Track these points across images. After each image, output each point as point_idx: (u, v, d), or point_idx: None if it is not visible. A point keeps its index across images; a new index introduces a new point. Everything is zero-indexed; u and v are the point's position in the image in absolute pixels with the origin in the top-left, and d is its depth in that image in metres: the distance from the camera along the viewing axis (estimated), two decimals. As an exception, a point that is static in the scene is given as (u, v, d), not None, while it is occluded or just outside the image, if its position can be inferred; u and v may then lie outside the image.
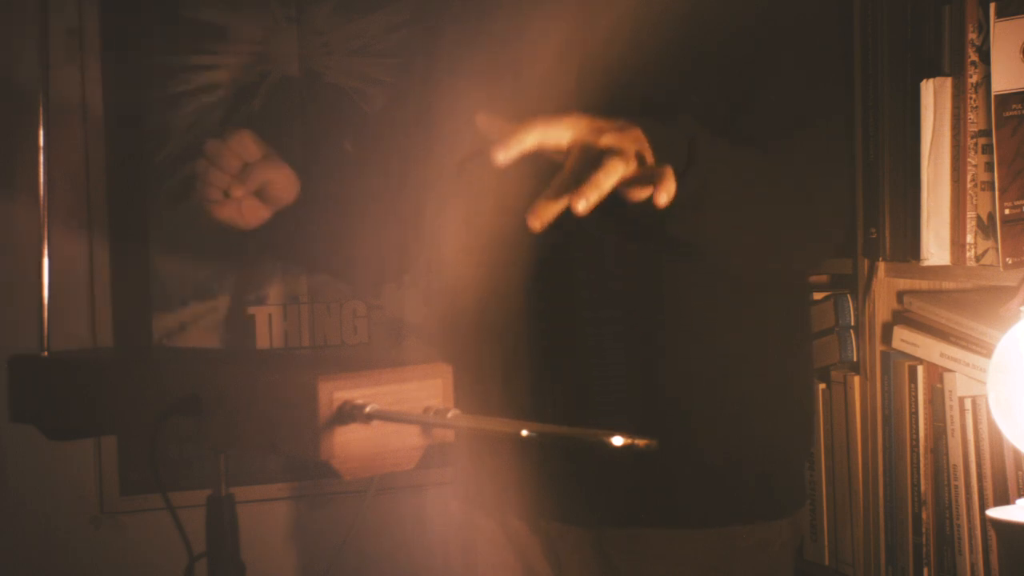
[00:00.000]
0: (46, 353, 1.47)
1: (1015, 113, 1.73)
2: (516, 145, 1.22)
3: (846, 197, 1.58)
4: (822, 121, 1.53)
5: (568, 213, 1.49)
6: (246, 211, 1.63)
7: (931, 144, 1.85)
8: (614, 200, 1.26)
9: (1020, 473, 1.77)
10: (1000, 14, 1.74)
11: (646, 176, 1.25)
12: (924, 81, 1.84)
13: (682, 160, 1.33)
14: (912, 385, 1.95)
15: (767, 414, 1.60)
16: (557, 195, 1.21)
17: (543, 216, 1.21)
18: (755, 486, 1.59)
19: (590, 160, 1.24)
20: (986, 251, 1.79)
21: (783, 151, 1.49)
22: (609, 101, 1.48)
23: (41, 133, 1.48)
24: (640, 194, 1.26)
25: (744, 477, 1.58)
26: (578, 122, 1.26)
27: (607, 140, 1.25)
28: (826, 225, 1.53)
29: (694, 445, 1.56)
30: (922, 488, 1.93)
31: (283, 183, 1.63)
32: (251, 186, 1.60)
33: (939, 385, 1.90)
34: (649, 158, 1.29)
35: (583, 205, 1.19)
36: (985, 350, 1.80)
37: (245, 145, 1.60)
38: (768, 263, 1.53)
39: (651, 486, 1.56)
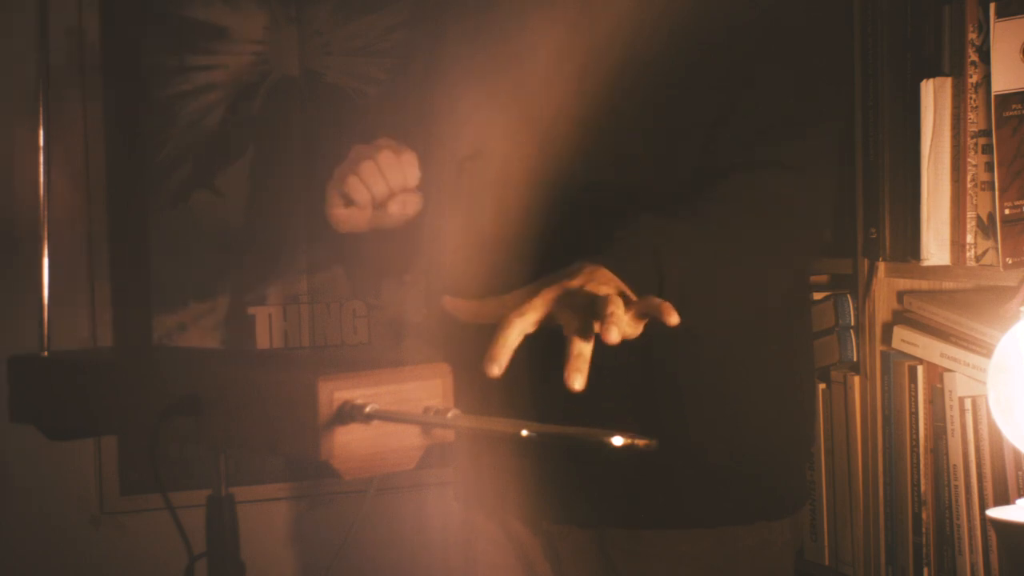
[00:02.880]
0: (46, 353, 1.47)
1: (1015, 113, 1.73)
2: (504, 351, 1.24)
3: (832, 197, 1.58)
4: (821, 120, 1.53)
5: (569, 215, 1.50)
6: (371, 222, 1.61)
7: (931, 144, 1.85)
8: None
9: (1020, 473, 1.77)
10: (1000, 14, 1.74)
11: (641, 313, 1.27)
12: (924, 81, 1.84)
13: (655, 280, 1.35)
14: (912, 385, 1.95)
15: (768, 414, 1.60)
16: (584, 352, 1.23)
17: (581, 374, 1.23)
18: (756, 486, 1.59)
19: (585, 308, 1.25)
20: (986, 251, 1.79)
21: (780, 151, 1.49)
22: (610, 99, 1.48)
23: (41, 133, 1.48)
24: (639, 329, 1.28)
25: (745, 477, 1.58)
26: (545, 295, 1.27)
27: (588, 289, 1.27)
28: (815, 227, 1.53)
29: (695, 445, 1.56)
30: (922, 488, 1.93)
31: (407, 219, 1.61)
32: (409, 211, 1.59)
33: (939, 385, 1.90)
34: (626, 291, 1.30)
35: (615, 335, 1.21)
36: (985, 350, 1.80)
37: (413, 171, 1.58)
38: (765, 288, 1.54)
39: (652, 486, 1.56)
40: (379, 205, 1.59)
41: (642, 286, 1.32)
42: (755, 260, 1.46)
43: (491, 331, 1.58)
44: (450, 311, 1.33)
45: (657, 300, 1.25)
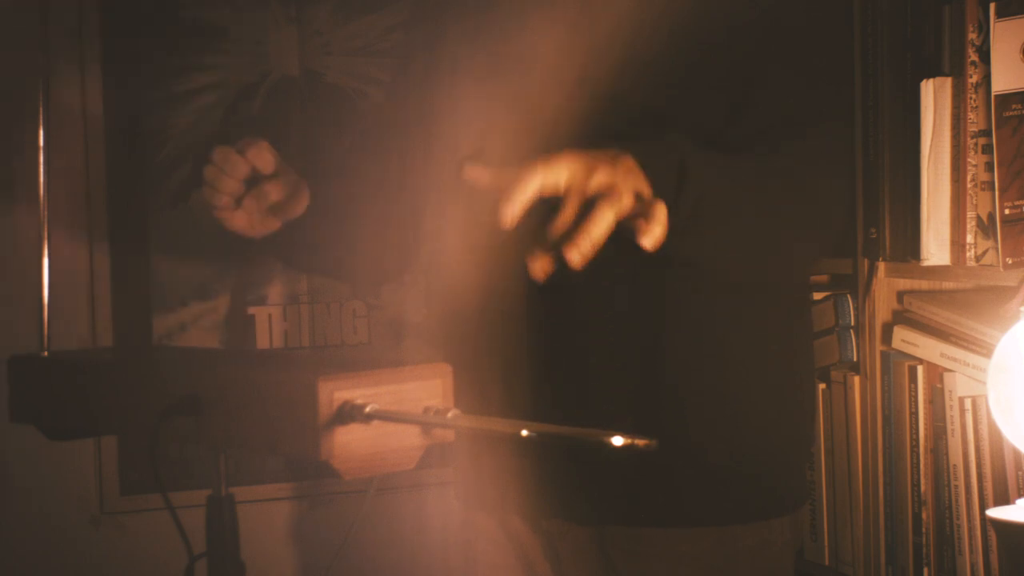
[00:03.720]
0: (46, 353, 1.47)
1: (1015, 113, 1.73)
2: (519, 199, 1.26)
3: (844, 196, 1.58)
4: (824, 121, 1.53)
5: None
6: (256, 223, 1.63)
7: (931, 144, 1.84)
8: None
9: (1020, 473, 1.77)
10: (1000, 14, 1.74)
11: (640, 212, 1.29)
12: (924, 81, 1.84)
13: (675, 182, 1.35)
14: (912, 385, 1.95)
15: (768, 413, 1.60)
16: (554, 244, 1.26)
17: (543, 267, 1.27)
18: (756, 485, 1.59)
19: (583, 206, 1.27)
20: (986, 251, 1.79)
21: (780, 151, 1.49)
22: (611, 99, 1.48)
23: (41, 133, 1.48)
24: (634, 228, 1.30)
25: (745, 476, 1.58)
26: (572, 161, 1.29)
27: (601, 178, 1.28)
28: (823, 226, 1.53)
29: (695, 444, 1.56)
30: (922, 488, 1.93)
31: (296, 196, 1.63)
32: (265, 202, 1.60)
33: (939, 385, 1.90)
34: (643, 188, 1.31)
35: (577, 257, 1.25)
36: (985, 350, 1.80)
37: (263, 158, 1.59)
38: (765, 267, 1.54)
39: (652, 486, 1.56)
40: (238, 201, 1.60)
41: (661, 184, 1.34)
42: (771, 224, 1.47)
43: (491, 333, 1.58)
44: (469, 177, 1.33)
45: (656, 211, 1.29)
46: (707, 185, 1.38)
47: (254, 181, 1.60)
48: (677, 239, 1.36)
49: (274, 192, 1.60)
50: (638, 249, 1.36)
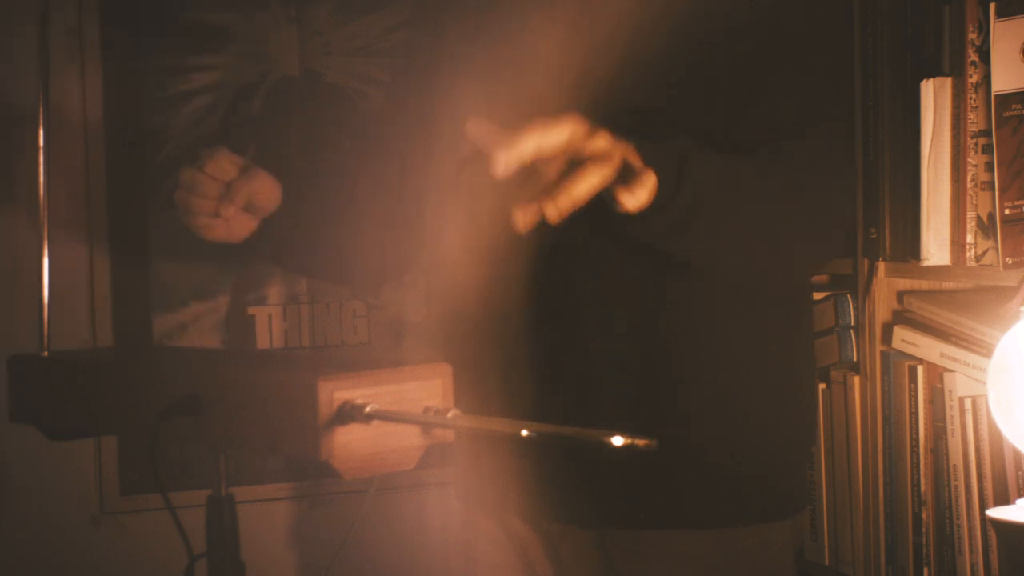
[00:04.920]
0: (46, 353, 1.47)
1: (1015, 113, 1.73)
2: (515, 152, 1.24)
3: (848, 198, 1.58)
4: (824, 121, 1.53)
5: (570, 215, 1.49)
6: (234, 226, 1.63)
7: (931, 144, 1.84)
8: (608, 215, 1.28)
9: (1020, 473, 1.77)
10: (1000, 14, 1.74)
11: (627, 177, 1.27)
12: (924, 81, 1.84)
13: (674, 177, 1.34)
14: (912, 385, 1.95)
15: (769, 415, 1.60)
16: (537, 199, 1.25)
17: (525, 220, 1.25)
18: (757, 487, 1.59)
19: (572, 164, 1.26)
20: (986, 251, 1.79)
21: (782, 152, 1.49)
22: (611, 99, 1.48)
23: (41, 133, 1.48)
24: (619, 195, 1.30)
25: (746, 478, 1.58)
26: (574, 125, 1.28)
27: (598, 143, 1.27)
28: (825, 227, 1.53)
29: (696, 446, 1.56)
30: (922, 488, 1.93)
31: (266, 192, 1.63)
32: (238, 204, 1.60)
33: (939, 385, 1.90)
34: (636, 159, 1.32)
35: (554, 212, 1.24)
36: (985, 350, 1.80)
37: (221, 167, 1.60)
38: (766, 270, 1.54)
39: (653, 487, 1.56)
40: (234, 207, 1.60)
41: (660, 177, 1.34)
42: (771, 226, 1.46)
43: (491, 333, 1.58)
44: (473, 136, 1.32)
45: (642, 171, 1.29)
46: (706, 184, 1.38)
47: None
48: (676, 237, 1.36)
49: (243, 192, 1.60)
50: (634, 248, 1.35)
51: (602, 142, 1.28)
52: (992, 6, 1.74)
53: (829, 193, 1.53)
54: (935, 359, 1.91)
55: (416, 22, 1.79)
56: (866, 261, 2.02)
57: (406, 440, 1.20)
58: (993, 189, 1.77)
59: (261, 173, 1.62)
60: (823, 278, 2.16)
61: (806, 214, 1.49)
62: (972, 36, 1.79)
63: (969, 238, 1.80)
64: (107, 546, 2.49)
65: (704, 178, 1.38)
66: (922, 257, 1.86)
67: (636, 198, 1.30)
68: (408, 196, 1.70)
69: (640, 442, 1.04)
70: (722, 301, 1.55)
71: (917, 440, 1.94)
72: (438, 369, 1.23)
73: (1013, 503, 1.64)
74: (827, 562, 2.13)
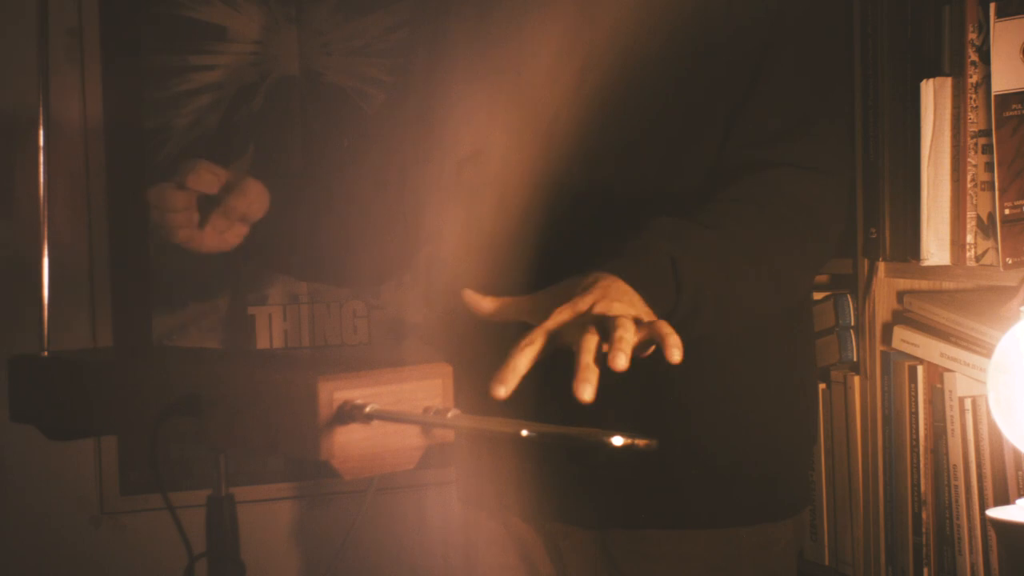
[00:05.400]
0: (46, 353, 1.47)
1: (1015, 113, 1.73)
2: (513, 376, 1.22)
3: (844, 196, 1.58)
4: (823, 120, 1.53)
5: (570, 216, 1.49)
6: (227, 236, 1.61)
7: (931, 144, 1.84)
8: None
9: (1020, 473, 1.77)
10: (1000, 14, 1.74)
11: (648, 338, 1.23)
12: (924, 81, 1.84)
13: (672, 287, 1.33)
14: (912, 385, 1.95)
15: (770, 415, 1.60)
16: (592, 364, 1.19)
17: (590, 384, 1.19)
18: (759, 487, 1.59)
19: (595, 329, 1.22)
20: (986, 251, 1.79)
21: (780, 151, 1.49)
22: (610, 98, 1.48)
23: (41, 133, 1.48)
24: (647, 352, 1.25)
25: (748, 478, 1.58)
26: (558, 317, 1.25)
27: (599, 309, 1.24)
28: (823, 236, 1.53)
29: (698, 446, 1.56)
30: (922, 488, 1.93)
31: (256, 201, 1.61)
32: (233, 218, 1.59)
33: (939, 385, 1.90)
34: (642, 311, 1.27)
35: (623, 361, 1.18)
36: (985, 350, 1.80)
37: (204, 181, 1.56)
38: (775, 305, 1.53)
39: (655, 487, 1.56)
40: (229, 221, 1.59)
41: (658, 297, 1.31)
42: (774, 263, 1.46)
43: (491, 333, 1.58)
44: (468, 304, 1.32)
45: (666, 330, 1.21)
46: (703, 275, 1.36)
47: (211, 199, 1.58)
48: (689, 329, 1.33)
49: (240, 204, 1.58)
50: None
51: (601, 308, 1.24)
52: (992, 6, 1.74)
53: (832, 192, 1.52)
54: (935, 359, 1.91)
55: (416, 22, 1.79)
56: (866, 261, 2.02)
57: (406, 440, 1.20)
58: (993, 189, 1.77)
59: (250, 183, 1.60)
60: (823, 278, 2.16)
61: (802, 232, 1.49)
62: (972, 36, 1.79)
63: (969, 238, 1.80)
64: (107, 546, 2.49)
65: (699, 271, 1.36)
66: (922, 257, 1.87)
67: (677, 347, 1.22)
68: (408, 196, 1.69)
69: (640, 442, 1.04)
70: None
71: (917, 440, 1.94)
72: (438, 369, 1.23)
73: (1013, 503, 1.64)
74: (827, 562, 2.13)
